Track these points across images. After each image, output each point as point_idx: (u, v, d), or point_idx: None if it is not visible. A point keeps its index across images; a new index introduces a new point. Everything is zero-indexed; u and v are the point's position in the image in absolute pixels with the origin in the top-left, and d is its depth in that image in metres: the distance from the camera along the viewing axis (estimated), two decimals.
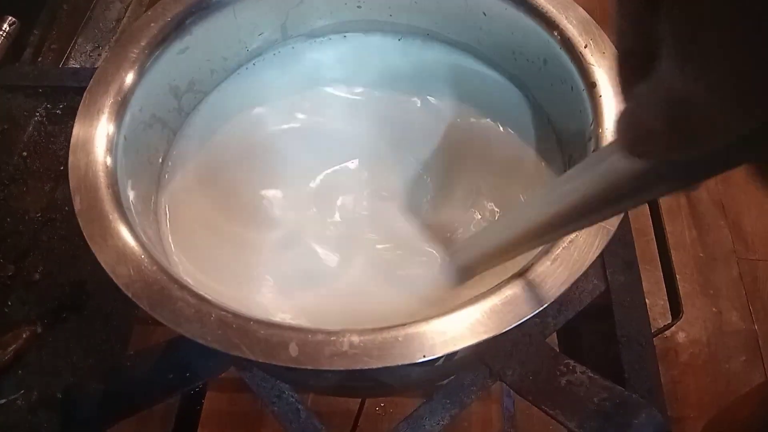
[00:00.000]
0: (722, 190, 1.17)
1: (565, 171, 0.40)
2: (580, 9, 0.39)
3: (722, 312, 1.07)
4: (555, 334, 0.56)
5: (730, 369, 1.02)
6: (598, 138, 0.34)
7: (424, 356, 0.28)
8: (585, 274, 0.45)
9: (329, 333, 0.29)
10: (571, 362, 0.41)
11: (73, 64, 0.95)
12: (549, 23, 0.39)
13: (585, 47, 0.37)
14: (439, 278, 0.37)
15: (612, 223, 0.31)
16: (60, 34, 0.94)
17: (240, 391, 0.84)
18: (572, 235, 0.31)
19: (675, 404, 0.99)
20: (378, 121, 0.45)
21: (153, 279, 0.31)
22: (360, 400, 0.73)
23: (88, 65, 0.95)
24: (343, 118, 0.46)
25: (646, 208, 0.56)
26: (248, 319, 0.29)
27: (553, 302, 0.44)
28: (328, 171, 0.44)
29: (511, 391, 0.42)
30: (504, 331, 0.28)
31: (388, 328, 0.29)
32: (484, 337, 0.28)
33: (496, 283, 0.30)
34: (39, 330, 0.48)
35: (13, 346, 0.47)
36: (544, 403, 0.39)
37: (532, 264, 0.30)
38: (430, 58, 0.47)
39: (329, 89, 0.47)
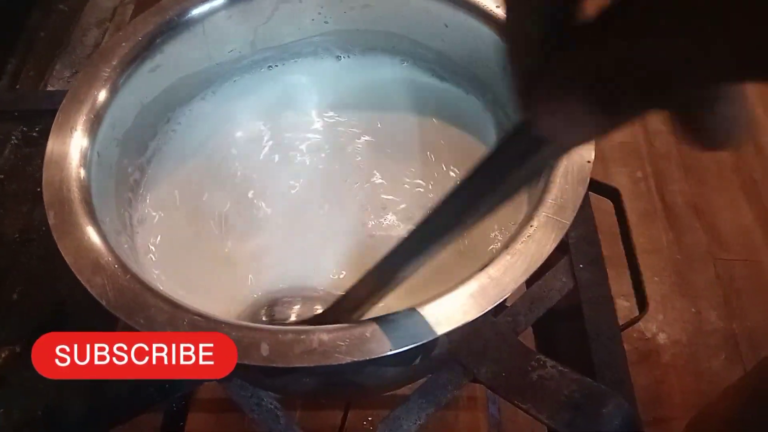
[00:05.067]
0: (697, 193, 1.19)
1: None
2: None
3: (701, 312, 1.09)
4: (532, 334, 0.57)
5: (711, 368, 1.03)
6: None
7: (390, 350, 0.29)
8: (553, 272, 0.47)
9: (299, 332, 0.30)
10: (542, 357, 0.42)
11: (50, 90, 0.96)
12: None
13: None
14: None
15: (567, 217, 0.32)
16: (37, 60, 0.95)
17: (223, 411, 0.84)
18: (530, 230, 0.32)
19: (659, 405, 1.01)
20: (348, 137, 0.47)
21: (127, 288, 0.31)
22: (343, 411, 0.73)
23: (66, 90, 0.96)
24: (313, 136, 0.48)
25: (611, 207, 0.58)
26: (219, 323, 0.30)
27: (523, 300, 0.46)
28: (300, 187, 0.46)
29: (497, 398, 0.43)
30: (467, 322, 0.29)
31: (356, 325, 0.30)
32: (448, 329, 0.29)
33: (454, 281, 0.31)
34: (18, 350, 0.48)
35: None
36: (516, 398, 0.40)
37: (492, 259, 0.31)
38: (394, 71, 0.49)
39: (299, 108, 0.48)
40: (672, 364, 1.04)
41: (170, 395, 0.44)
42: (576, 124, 0.16)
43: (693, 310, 1.08)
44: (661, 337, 1.06)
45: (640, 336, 1.05)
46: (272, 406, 0.43)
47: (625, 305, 0.99)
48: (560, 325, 0.50)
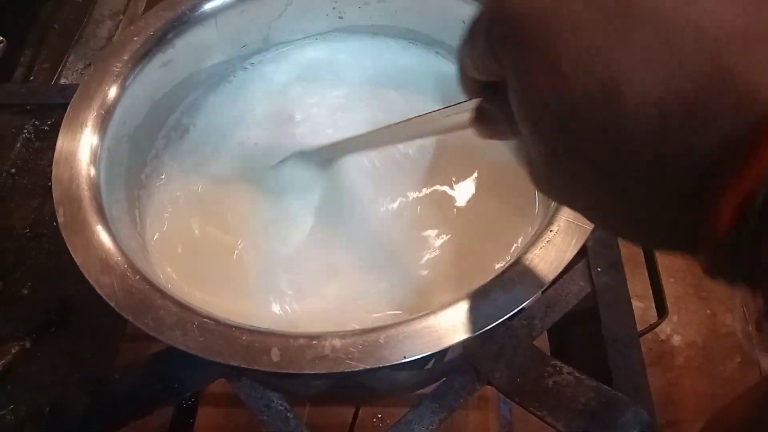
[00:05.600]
0: None
1: None
2: None
3: (716, 314, 1.07)
4: (546, 338, 0.56)
5: (726, 371, 1.02)
6: None
7: (405, 357, 0.28)
8: (570, 275, 0.46)
9: (311, 337, 0.29)
10: (558, 363, 0.41)
11: (64, 82, 0.96)
12: None
13: None
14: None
15: (590, 223, 0.31)
16: (51, 52, 0.95)
17: (233, 406, 0.84)
18: (550, 235, 0.31)
19: (672, 407, 0.99)
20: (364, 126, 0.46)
21: (136, 288, 0.31)
22: (353, 410, 0.73)
23: (79, 83, 0.96)
24: (328, 125, 0.46)
25: None
26: (230, 326, 0.29)
27: (539, 304, 0.44)
28: (317, 179, 0.45)
29: (508, 399, 0.42)
30: (482, 331, 0.28)
31: (370, 330, 0.29)
32: (463, 337, 0.28)
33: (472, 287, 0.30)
34: (27, 345, 0.48)
35: (2, 361, 0.47)
36: (532, 405, 0.40)
37: (511, 265, 0.30)
38: (411, 64, 0.48)
39: (315, 97, 0.47)
40: (686, 367, 1.02)
41: (178, 395, 0.43)
42: (496, 134, 0.25)
43: (708, 311, 1.06)
44: (676, 339, 1.04)
45: (654, 338, 1.03)
46: (282, 408, 0.42)
47: (638, 306, 0.97)
48: (576, 329, 0.49)
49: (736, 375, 1.00)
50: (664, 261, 1.08)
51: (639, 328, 0.46)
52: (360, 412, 0.76)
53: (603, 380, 0.41)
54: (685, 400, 0.99)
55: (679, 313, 1.08)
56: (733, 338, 1.03)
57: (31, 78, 0.89)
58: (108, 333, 0.48)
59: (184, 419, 0.61)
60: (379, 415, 0.88)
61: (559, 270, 0.30)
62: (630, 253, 0.52)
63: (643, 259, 0.57)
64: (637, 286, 0.56)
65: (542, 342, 0.52)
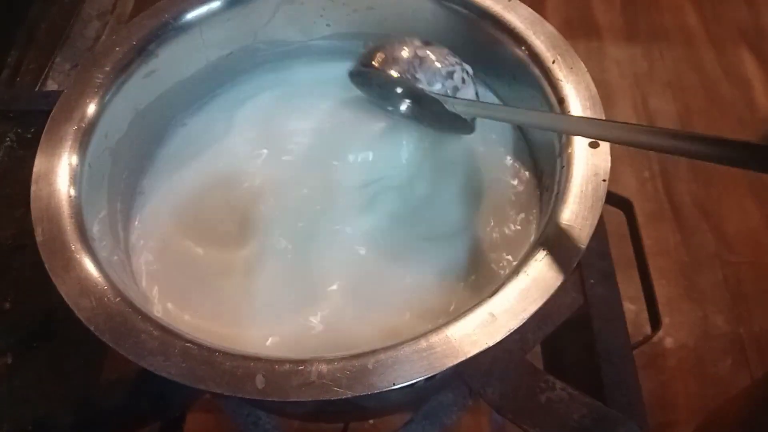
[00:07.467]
0: (704, 194, 1.17)
1: (538, 185, 0.40)
2: (548, 25, 0.39)
3: (707, 316, 1.07)
4: (539, 350, 0.56)
5: (718, 372, 1.02)
6: (567, 156, 0.33)
7: (395, 384, 0.27)
8: (562, 287, 0.45)
9: (297, 362, 0.28)
10: (551, 378, 0.41)
11: (51, 83, 0.94)
12: (517, 39, 0.39)
13: (553, 62, 0.37)
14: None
15: (582, 240, 0.30)
16: (38, 54, 0.93)
17: (223, 411, 0.83)
18: (544, 252, 0.30)
19: (664, 409, 0.99)
20: (350, 144, 0.45)
21: (116, 311, 0.30)
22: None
23: (66, 85, 0.94)
24: (312, 145, 0.46)
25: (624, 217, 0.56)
26: (213, 351, 0.28)
27: (531, 318, 0.44)
28: (304, 195, 0.44)
29: (500, 415, 0.41)
30: (472, 355, 0.27)
31: (358, 355, 0.28)
32: (454, 362, 0.27)
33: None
34: (9, 361, 0.47)
35: None
36: (524, 422, 0.39)
37: (504, 283, 0.30)
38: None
39: (298, 116, 0.46)
40: (678, 368, 1.02)
41: (165, 412, 0.43)
42: None
43: (700, 313, 1.07)
44: (668, 341, 1.04)
45: (638, 347, 1.04)
46: (269, 426, 0.41)
47: (630, 309, 0.97)
48: (569, 341, 0.49)
49: (727, 376, 1.00)
50: (656, 263, 1.08)
51: (631, 331, 0.45)
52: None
53: (596, 394, 0.40)
54: (678, 401, 0.99)
55: (671, 315, 1.09)
56: (724, 339, 1.03)
57: (18, 79, 0.88)
58: (93, 347, 0.47)
59: (173, 424, 0.60)
60: (371, 421, 0.88)
61: (554, 290, 0.29)
62: (621, 254, 0.51)
63: (634, 262, 0.56)
64: (630, 288, 0.56)
65: (535, 353, 0.52)
